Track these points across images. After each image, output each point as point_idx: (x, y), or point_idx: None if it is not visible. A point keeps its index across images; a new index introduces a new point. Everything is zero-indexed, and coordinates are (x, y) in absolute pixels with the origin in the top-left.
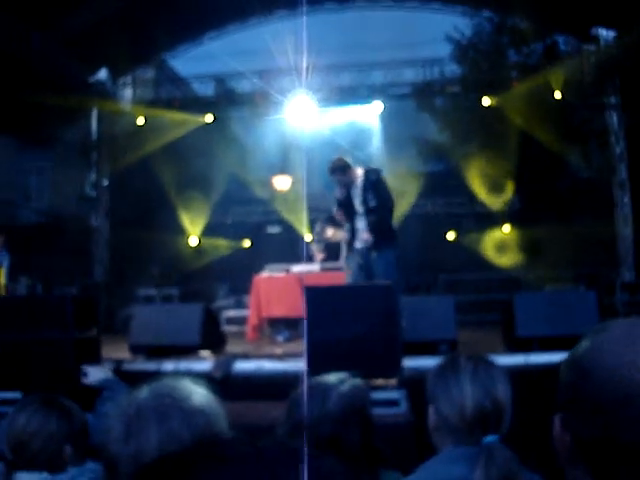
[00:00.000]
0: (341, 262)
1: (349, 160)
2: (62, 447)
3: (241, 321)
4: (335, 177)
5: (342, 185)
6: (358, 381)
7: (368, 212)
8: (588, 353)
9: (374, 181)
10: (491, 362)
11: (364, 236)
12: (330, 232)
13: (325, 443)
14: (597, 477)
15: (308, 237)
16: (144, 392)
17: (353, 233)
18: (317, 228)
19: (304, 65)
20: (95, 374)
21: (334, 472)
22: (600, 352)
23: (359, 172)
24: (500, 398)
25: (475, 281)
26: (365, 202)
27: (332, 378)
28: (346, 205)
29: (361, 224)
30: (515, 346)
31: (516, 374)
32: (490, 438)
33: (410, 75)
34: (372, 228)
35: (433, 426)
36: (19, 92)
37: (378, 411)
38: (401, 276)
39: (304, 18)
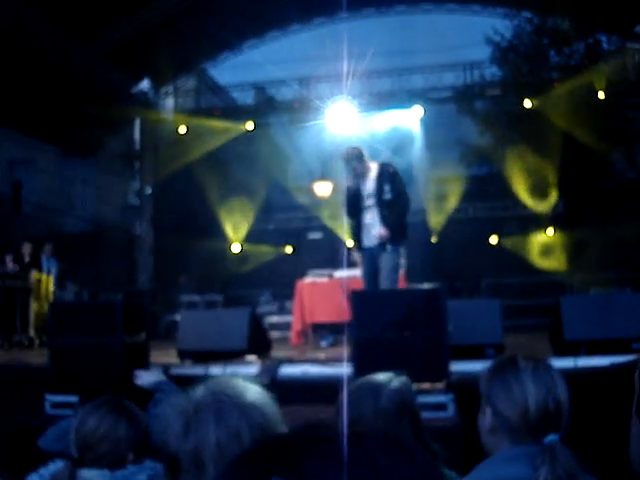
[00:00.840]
0: None
1: (365, 151)
2: (127, 452)
3: (284, 327)
4: (350, 166)
5: (355, 175)
6: (405, 378)
7: (382, 205)
8: None
9: (391, 173)
10: (548, 362)
11: (380, 231)
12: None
13: None
14: None
15: (349, 243)
16: (201, 390)
17: (359, 229)
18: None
19: (344, 71)
20: (147, 377)
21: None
22: None
23: (374, 165)
24: (561, 397)
25: (518, 285)
26: (380, 194)
27: (381, 376)
28: (354, 198)
29: (371, 218)
30: (563, 350)
31: (565, 377)
32: (551, 437)
33: (450, 79)
34: (388, 222)
35: (489, 428)
36: (63, 103)
37: (425, 415)
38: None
39: (344, 24)
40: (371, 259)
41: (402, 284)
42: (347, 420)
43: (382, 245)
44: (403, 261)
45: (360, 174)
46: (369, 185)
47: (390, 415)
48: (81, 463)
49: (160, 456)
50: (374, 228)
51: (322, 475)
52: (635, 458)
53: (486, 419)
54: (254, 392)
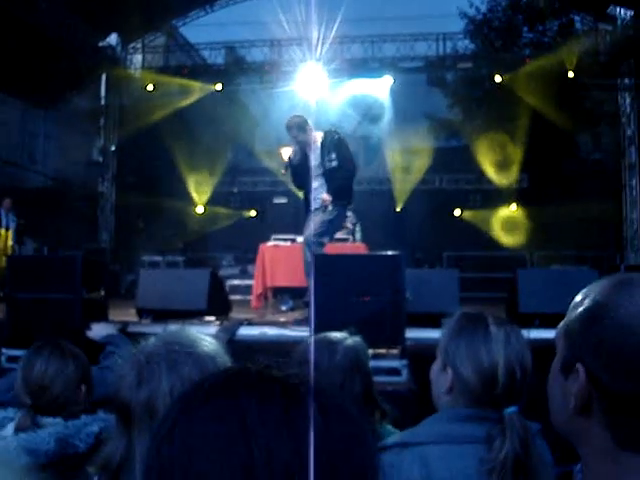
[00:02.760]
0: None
1: (308, 119)
2: (79, 389)
3: (245, 290)
4: (291, 134)
5: (298, 145)
6: (359, 338)
7: (327, 173)
8: (626, 308)
9: (335, 141)
10: (516, 326)
11: (323, 197)
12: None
13: None
14: (614, 428)
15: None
16: (153, 340)
17: (308, 197)
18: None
19: (315, 36)
20: (99, 329)
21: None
22: (633, 309)
23: (319, 135)
24: (528, 366)
25: (480, 258)
26: (324, 162)
27: (336, 334)
28: (300, 167)
29: (318, 185)
30: (517, 322)
31: None
32: (512, 409)
33: (422, 49)
34: (332, 188)
35: (446, 388)
36: (28, 55)
37: (379, 379)
38: (403, 249)
39: None
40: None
41: (353, 249)
42: (296, 372)
43: (324, 208)
44: (351, 226)
45: (303, 143)
46: (315, 154)
47: (344, 370)
48: (37, 408)
49: (112, 407)
50: (322, 194)
51: (260, 410)
52: (558, 418)
53: (445, 378)
54: (207, 342)
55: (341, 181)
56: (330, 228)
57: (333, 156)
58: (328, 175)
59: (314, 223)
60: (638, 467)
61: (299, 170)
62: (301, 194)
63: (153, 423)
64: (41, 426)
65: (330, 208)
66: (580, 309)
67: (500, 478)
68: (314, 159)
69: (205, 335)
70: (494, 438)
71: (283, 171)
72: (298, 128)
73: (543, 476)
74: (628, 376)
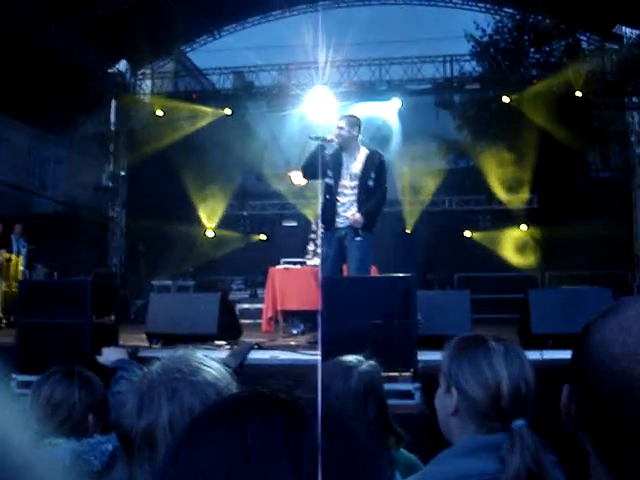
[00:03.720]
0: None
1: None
2: (85, 416)
3: (255, 314)
4: (339, 126)
5: (339, 140)
6: (374, 362)
7: (363, 191)
8: (596, 334)
9: (379, 163)
10: (517, 345)
11: (355, 216)
12: None
13: (348, 418)
14: (598, 448)
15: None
16: (156, 367)
17: (334, 208)
18: (313, 226)
19: (323, 60)
20: (110, 354)
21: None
22: (605, 337)
23: (364, 149)
24: (531, 380)
25: (491, 279)
26: (364, 179)
27: (351, 358)
28: (316, 158)
29: (347, 200)
30: (530, 343)
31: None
32: (520, 422)
33: (429, 71)
34: (364, 210)
35: (453, 410)
36: (39, 81)
37: (392, 402)
38: (411, 269)
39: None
40: (339, 242)
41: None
42: (309, 397)
43: (353, 230)
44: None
45: (344, 141)
46: (354, 166)
47: (358, 396)
48: (43, 434)
49: (117, 435)
50: (348, 211)
51: (263, 436)
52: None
53: (450, 400)
54: (210, 368)
55: (375, 206)
56: (368, 264)
57: (373, 176)
58: (362, 193)
59: (356, 260)
60: None
61: (314, 160)
62: (314, 215)
63: (153, 452)
64: (53, 446)
65: (360, 238)
66: (581, 331)
67: None
68: (352, 170)
69: (211, 359)
70: (505, 457)
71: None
72: (351, 124)
73: None
74: (594, 403)
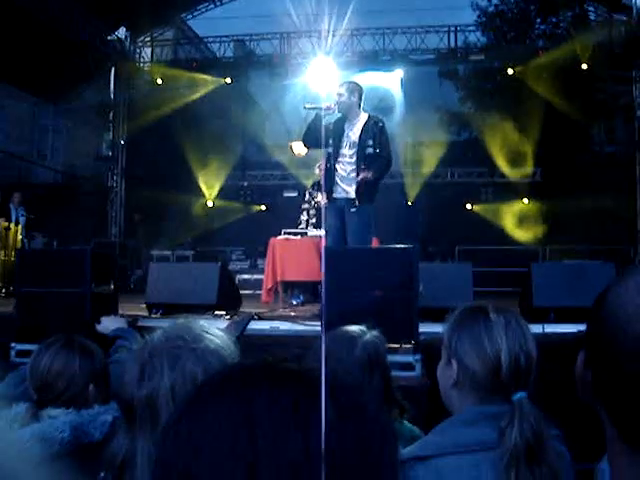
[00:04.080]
0: None
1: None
2: (86, 386)
3: (255, 285)
4: (338, 92)
5: (339, 107)
6: (378, 332)
7: (362, 158)
8: (610, 295)
9: (378, 129)
10: (517, 314)
11: (364, 174)
12: (320, 197)
13: None
14: (613, 417)
15: (323, 200)
16: (158, 334)
17: (332, 177)
18: (306, 196)
19: (326, 28)
20: (109, 323)
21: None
22: (620, 298)
23: (364, 115)
24: (532, 352)
25: (493, 252)
26: (361, 146)
27: (355, 328)
28: (334, 133)
29: (345, 170)
30: (532, 316)
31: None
32: (520, 394)
33: (434, 42)
34: (365, 177)
35: (453, 382)
36: (37, 49)
37: (393, 374)
38: (413, 241)
39: None
40: (338, 212)
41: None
42: (317, 366)
43: (350, 202)
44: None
45: (345, 108)
46: (353, 134)
47: (363, 366)
48: (42, 403)
49: (117, 402)
50: (346, 181)
51: (270, 410)
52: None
53: (451, 372)
54: (213, 336)
55: (377, 172)
56: (369, 236)
57: (371, 142)
58: (362, 163)
59: (357, 231)
60: None
61: (318, 126)
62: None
63: (154, 421)
64: (52, 417)
65: (355, 210)
66: (598, 297)
67: (515, 469)
68: (351, 137)
69: (214, 328)
70: (504, 429)
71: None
72: (350, 90)
73: (560, 468)
74: (608, 365)
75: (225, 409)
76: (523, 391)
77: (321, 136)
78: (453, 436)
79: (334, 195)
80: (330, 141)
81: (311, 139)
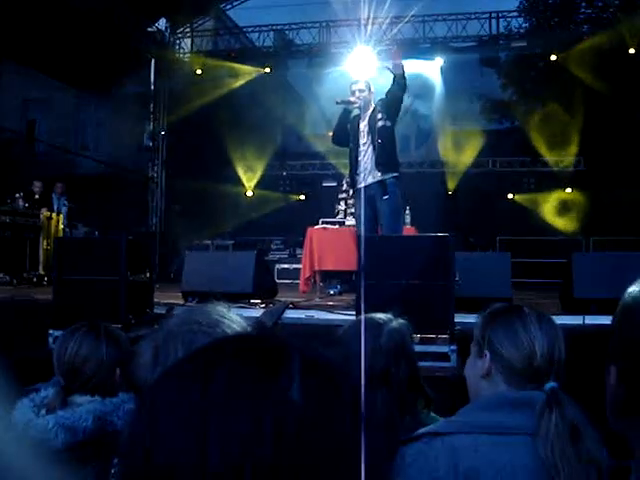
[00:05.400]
0: None
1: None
2: (113, 372)
3: (294, 274)
4: (357, 89)
5: (361, 103)
6: (405, 320)
7: (374, 138)
8: None
9: (381, 101)
10: (550, 316)
11: (376, 172)
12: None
13: (377, 377)
14: None
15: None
16: (173, 319)
17: (356, 170)
18: (344, 186)
19: (364, 17)
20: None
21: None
22: None
23: (372, 105)
24: (563, 349)
25: (534, 243)
26: (371, 126)
27: (381, 315)
28: (352, 129)
29: (365, 158)
30: (572, 307)
31: (573, 335)
32: (552, 384)
33: (474, 28)
34: (381, 150)
35: (484, 372)
36: (77, 40)
37: (428, 364)
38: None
39: None
40: (369, 201)
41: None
42: (347, 355)
43: (379, 184)
44: (407, 213)
45: (365, 104)
46: (363, 124)
47: (389, 354)
48: (70, 389)
49: (129, 385)
50: (370, 169)
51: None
52: (609, 414)
53: (482, 363)
54: (231, 322)
55: (386, 141)
56: (399, 217)
57: (379, 116)
58: (377, 139)
59: (386, 216)
60: None
61: (344, 121)
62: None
63: None
64: (77, 405)
65: (387, 197)
66: (620, 306)
67: (560, 450)
68: (362, 130)
69: (232, 313)
70: (540, 417)
71: (344, 100)
72: (369, 87)
73: (601, 457)
74: None
75: (185, 385)
76: (555, 382)
77: (348, 133)
78: (473, 417)
79: (357, 185)
80: (351, 137)
81: (340, 138)
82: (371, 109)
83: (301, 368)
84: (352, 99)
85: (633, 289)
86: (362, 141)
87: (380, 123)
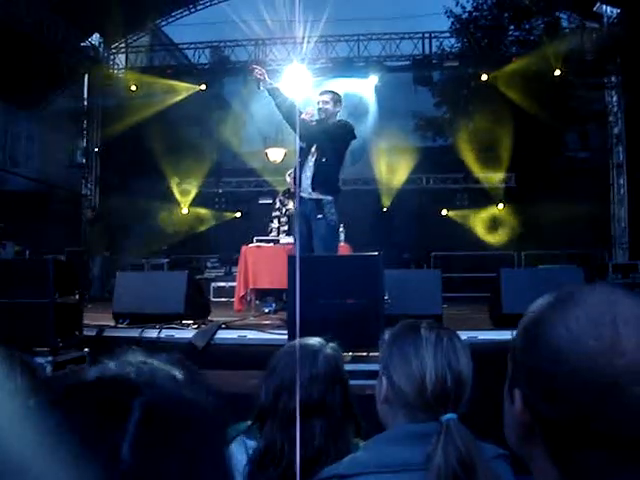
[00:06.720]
0: None
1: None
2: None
3: (230, 292)
4: (323, 100)
5: (323, 115)
6: (336, 344)
7: (324, 155)
8: (558, 328)
9: (338, 126)
10: (454, 332)
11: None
12: (291, 205)
13: (314, 406)
14: (557, 459)
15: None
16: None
17: (302, 170)
18: (277, 204)
19: (300, 35)
20: None
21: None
22: (572, 331)
23: (337, 123)
24: (463, 373)
25: (468, 258)
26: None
27: (314, 341)
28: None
29: (311, 172)
30: (501, 322)
31: (501, 351)
32: (449, 416)
33: (408, 48)
34: (322, 170)
35: (382, 398)
36: (9, 55)
37: (359, 382)
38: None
39: None
40: (304, 219)
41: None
42: (281, 384)
43: (316, 208)
44: (341, 230)
45: (327, 117)
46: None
47: (325, 380)
48: None
49: None
50: (309, 182)
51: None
52: (510, 441)
53: (380, 389)
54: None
55: (328, 166)
56: (334, 237)
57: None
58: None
59: (322, 239)
60: None
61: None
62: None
63: None
64: None
65: (321, 216)
66: (521, 326)
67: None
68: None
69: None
70: (431, 452)
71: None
72: (335, 101)
73: None
74: (563, 407)
75: (48, 426)
76: (453, 412)
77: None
78: (377, 455)
79: (301, 193)
80: (303, 145)
81: (288, 120)
82: (329, 124)
83: (139, 421)
84: (303, 115)
85: (533, 309)
86: (312, 151)
87: (331, 143)
